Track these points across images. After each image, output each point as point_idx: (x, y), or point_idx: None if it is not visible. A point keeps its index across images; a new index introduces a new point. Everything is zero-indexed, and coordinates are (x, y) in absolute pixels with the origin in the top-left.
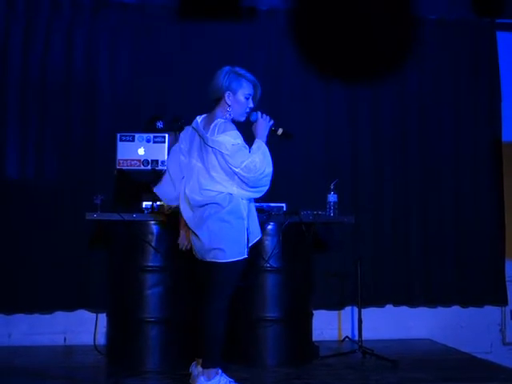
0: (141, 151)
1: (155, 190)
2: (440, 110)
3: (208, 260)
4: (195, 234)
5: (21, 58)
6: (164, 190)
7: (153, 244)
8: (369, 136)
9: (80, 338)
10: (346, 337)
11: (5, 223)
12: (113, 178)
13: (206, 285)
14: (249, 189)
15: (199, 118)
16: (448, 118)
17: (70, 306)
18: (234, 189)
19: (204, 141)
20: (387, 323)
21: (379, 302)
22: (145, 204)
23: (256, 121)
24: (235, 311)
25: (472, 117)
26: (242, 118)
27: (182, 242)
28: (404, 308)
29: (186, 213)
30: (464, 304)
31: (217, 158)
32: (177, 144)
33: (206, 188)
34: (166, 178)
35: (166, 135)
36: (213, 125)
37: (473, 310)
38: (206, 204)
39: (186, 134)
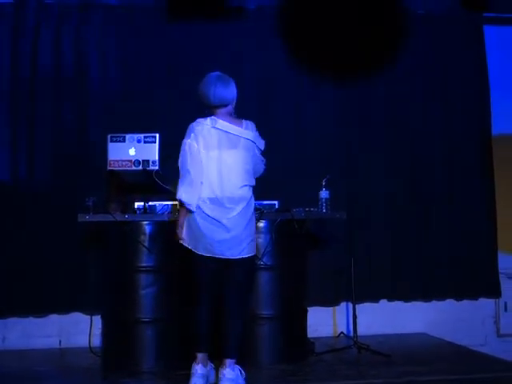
0: (132, 152)
1: (183, 198)
2: (429, 104)
3: (240, 257)
4: (230, 232)
5: (9, 59)
6: (191, 195)
7: (146, 244)
8: (359, 132)
9: (75, 340)
10: (341, 333)
11: None
12: (104, 178)
13: (233, 283)
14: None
15: (214, 120)
16: (437, 112)
17: (65, 309)
18: (253, 181)
19: (242, 138)
20: (382, 318)
21: (373, 298)
22: (137, 204)
23: None
24: None
25: (461, 111)
26: None
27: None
28: (398, 303)
29: (217, 213)
30: (458, 297)
31: (251, 153)
32: (191, 146)
33: (241, 184)
34: (190, 181)
35: (157, 135)
36: (245, 123)
37: (467, 302)
38: (243, 199)
39: (202, 135)
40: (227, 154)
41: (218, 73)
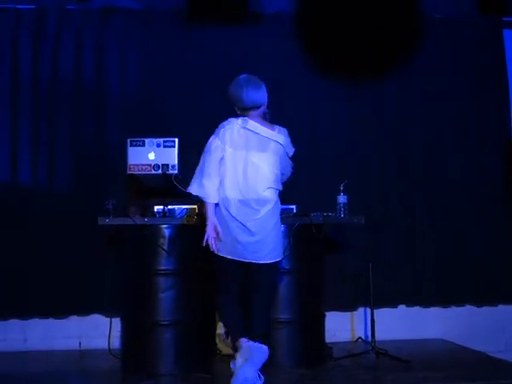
0: (151, 156)
1: (194, 191)
2: (447, 108)
3: (262, 262)
4: (255, 236)
5: (31, 63)
6: (205, 188)
7: (165, 247)
8: (377, 136)
9: (95, 342)
10: (359, 338)
11: (19, 229)
12: (124, 182)
13: (255, 288)
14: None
15: (245, 121)
16: (456, 116)
17: (85, 311)
18: (280, 185)
19: (271, 141)
20: (400, 324)
21: (392, 303)
22: (156, 208)
23: None
24: None
25: (480, 115)
26: None
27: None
28: (417, 308)
29: (243, 215)
30: (478, 303)
31: (279, 157)
32: (217, 143)
33: (267, 186)
34: (205, 175)
35: (176, 139)
36: (278, 127)
37: (486, 309)
38: (269, 201)
39: (231, 134)
40: (255, 156)
41: (248, 75)
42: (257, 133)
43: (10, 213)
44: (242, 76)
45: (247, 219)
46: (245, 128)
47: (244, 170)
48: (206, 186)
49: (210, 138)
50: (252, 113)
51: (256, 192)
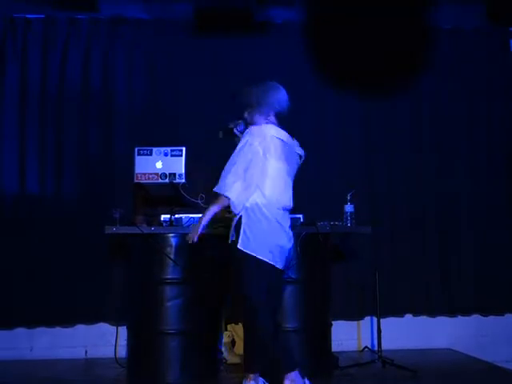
0: (158, 165)
1: (234, 199)
2: (455, 119)
3: (282, 268)
4: (291, 241)
5: (39, 72)
6: (240, 199)
7: (172, 256)
8: (384, 146)
9: (101, 351)
10: (366, 347)
11: (26, 238)
12: (131, 191)
13: (278, 293)
14: None
15: (278, 130)
16: (463, 127)
17: (91, 320)
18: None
19: (294, 152)
20: (407, 333)
21: (398, 312)
22: (163, 217)
23: None
24: None
25: (488, 125)
26: None
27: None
28: (424, 317)
29: (283, 220)
30: (484, 313)
31: (296, 170)
32: (260, 152)
33: (291, 197)
34: (249, 187)
35: (184, 148)
36: (295, 140)
37: (493, 318)
38: (290, 209)
39: (269, 143)
40: (286, 166)
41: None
42: (288, 144)
43: (18, 221)
44: (273, 82)
45: (287, 225)
46: (278, 138)
47: (280, 179)
48: (240, 196)
49: (249, 143)
50: (274, 119)
51: (287, 200)
